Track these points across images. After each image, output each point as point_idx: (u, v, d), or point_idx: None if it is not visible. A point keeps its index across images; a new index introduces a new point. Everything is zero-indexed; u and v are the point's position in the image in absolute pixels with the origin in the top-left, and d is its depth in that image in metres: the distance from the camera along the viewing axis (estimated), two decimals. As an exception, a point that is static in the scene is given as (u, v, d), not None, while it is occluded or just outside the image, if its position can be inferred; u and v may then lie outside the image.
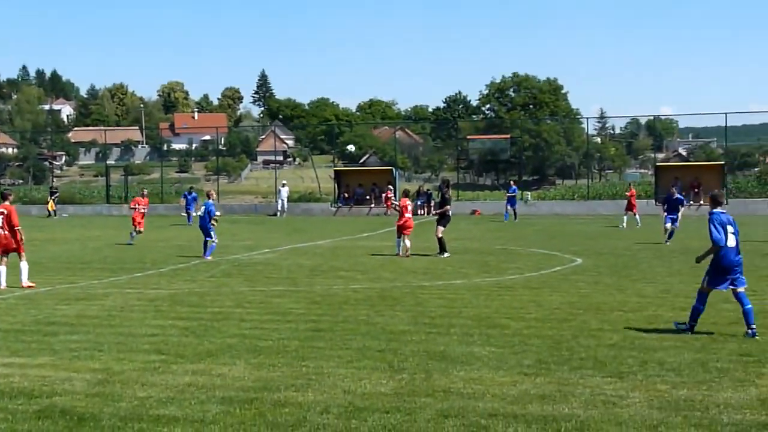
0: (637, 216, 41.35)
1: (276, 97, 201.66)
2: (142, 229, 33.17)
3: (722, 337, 12.63)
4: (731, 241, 13.12)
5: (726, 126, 60.49)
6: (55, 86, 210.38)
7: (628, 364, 10.88)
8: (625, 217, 41.11)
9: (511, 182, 51.60)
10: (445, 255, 25.94)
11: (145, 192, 40.57)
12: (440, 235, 26.63)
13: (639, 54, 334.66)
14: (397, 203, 28.81)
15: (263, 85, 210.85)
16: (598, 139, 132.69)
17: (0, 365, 11.21)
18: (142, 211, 33.97)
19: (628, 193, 43.47)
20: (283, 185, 60.64)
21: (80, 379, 10.35)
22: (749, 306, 12.87)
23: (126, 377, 10.46)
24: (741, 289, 13.01)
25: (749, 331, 12.65)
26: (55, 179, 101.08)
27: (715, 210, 13.50)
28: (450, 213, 27.92)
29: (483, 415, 8.66)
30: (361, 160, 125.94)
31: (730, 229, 13.23)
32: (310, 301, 16.84)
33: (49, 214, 59.66)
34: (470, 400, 9.23)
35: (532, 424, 8.35)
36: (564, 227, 41.20)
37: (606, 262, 23.74)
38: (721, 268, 13.01)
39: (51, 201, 61.71)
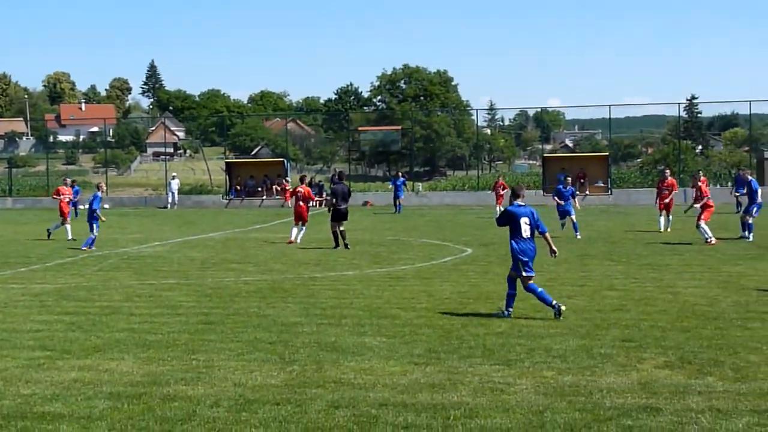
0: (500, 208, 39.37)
1: (166, 88, 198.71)
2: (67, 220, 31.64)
3: (606, 324, 12.95)
4: (525, 232, 14.03)
5: (610, 118, 61.81)
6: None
7: (515, 352, 11.08)
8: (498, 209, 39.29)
9: (399, 174, 51.74)
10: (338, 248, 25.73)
11: (68, 180, 38.42)
12: (334, 229, 26.38)
13: (527, 47, 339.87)
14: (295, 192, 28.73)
15: (152, 76, 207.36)
16: (488, 131, 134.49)
17: None
18: (67, 200, 32.68)
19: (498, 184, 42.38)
20: (173, 177, 59.86)
21: (-39, 378, 10.08)
22: (540, 290, 13.86)
23: (9, 374, 10.22)
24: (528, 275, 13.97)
25: (555, 307, 13.49)
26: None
27: (514, 203, 14.30)
28: (341, 207, 26.60)
29: (373, 404, 8.72)
30: (253, 152, 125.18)
31: (525, 220, 14.08)
32: (200, 294, 16.69)
33: None
34: (361, 390, 9.28)
35: (422, 412, 8.44)
36: (455, 218, 41.61)
37: (495, 252, 24.05)
38: (515, 255, 13.99)
39: None
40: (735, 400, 8.73)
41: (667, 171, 32.28)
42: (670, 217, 30.27)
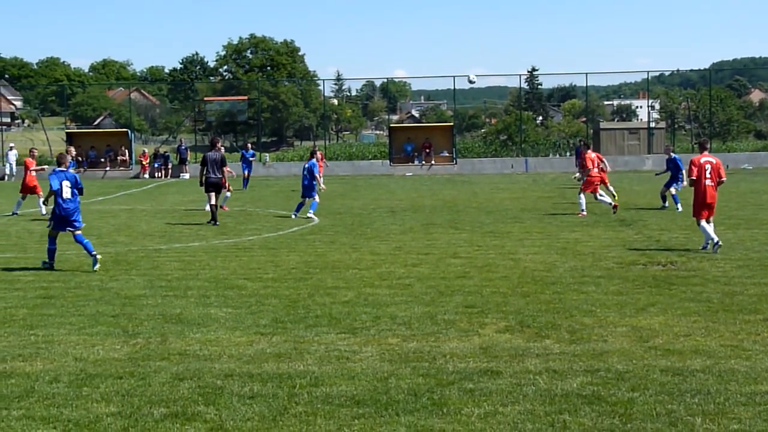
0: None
1: (1, 55, 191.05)
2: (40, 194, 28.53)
3: (449, 290, 13.21)
4: (66, 194, 15.97)
5: (454, 89, 62.73)
6: None
7: (361, 320, 11.20)
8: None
9: (249, 145, 50.68)
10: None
11: (35, 152, 34.12)
12: (211, 202, 24.51)
13: (374, 17, 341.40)
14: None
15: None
16: (335, 101, 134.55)
17: None
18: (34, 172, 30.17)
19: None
20: (11, 148, 57.74)
21: None
22: (86, 241, 16.10)
23: None
24: (78, 232, 16.18)
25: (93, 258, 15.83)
26: None
27: (55, 170, 16.28)
28: (211, 177, 24.52)
29: (219, 376, 8.68)
30: (95, 122, 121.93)
31: (66, 183, 15.99)
32: (39, 268, 16.21)
33: None
34: (206, 362, 9.22)
35: (268, 382, 8.45)
36: (298, 187, 41.54)
37: (342, 222, 24.19)
38: (56, 216, 16.15)
39: None
40: (570, 361, 9.06)
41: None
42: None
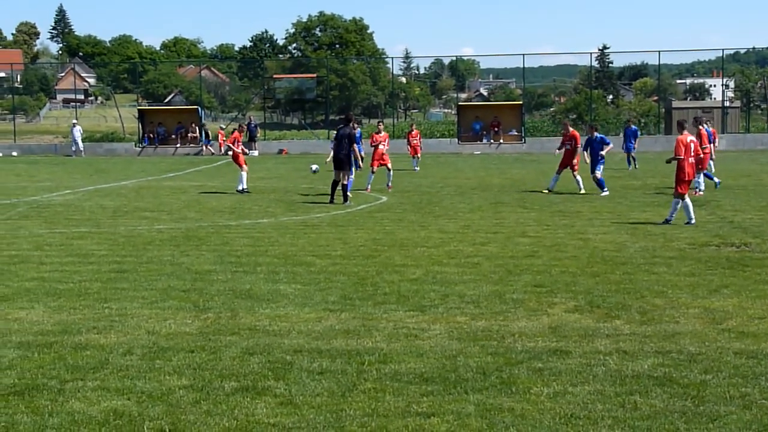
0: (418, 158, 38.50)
1: (75, 33, 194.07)
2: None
3: (518, 269, 13.14)
4: None
5: (524, 67, 62.21)
6: None
7: (429, 298, 11.19)
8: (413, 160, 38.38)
9: (355, 125, 46.62)
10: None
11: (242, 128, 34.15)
12: (336, 178, 23.66)
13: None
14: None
15: (61, 20, 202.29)
16: (403, 79, 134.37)
17: None
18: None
19: (411, 135, 39.55)
20: (74, 125, 58.49)
21: None
22: None
23: None
24: None
25: None
26: None
27: None
28: (339, 154, 23.70)
29: (288, 351, 8.74)
30: (166, 100, 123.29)
31: None
32: (113, 243, 16.47)
33: None
34: (276, 337, 9.30)
35: (337, 358, 8.49)
36: (369, 165, 41.62)
37: (410, 200, 24.19)
38: None
39: None
40: (641, 342, 8.96)
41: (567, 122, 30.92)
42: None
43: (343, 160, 23.59)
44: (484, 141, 55.95)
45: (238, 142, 27.56)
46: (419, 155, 38.62)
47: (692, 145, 18.54)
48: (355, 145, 23.79)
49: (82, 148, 56.21)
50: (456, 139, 57.35)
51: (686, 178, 18.17)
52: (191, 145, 57.28)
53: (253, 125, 57.85)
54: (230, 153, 28.13)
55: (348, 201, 23.29)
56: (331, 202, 23.22)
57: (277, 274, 12.98)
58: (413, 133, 39.54)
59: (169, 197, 26.05)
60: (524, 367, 8.13)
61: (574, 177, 26.09)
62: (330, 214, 21.14)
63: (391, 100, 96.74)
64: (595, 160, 25.57)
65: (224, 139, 56.07)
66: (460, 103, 67.68)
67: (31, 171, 40.58)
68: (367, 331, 9.52)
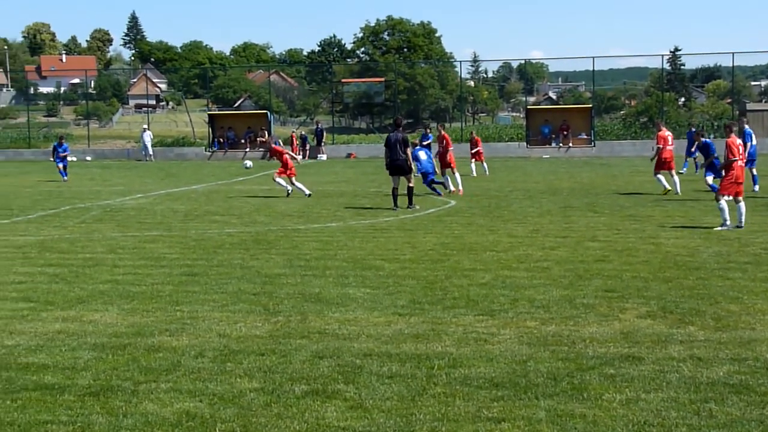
0: (485, 164, 37.84)
1: (147, 39, 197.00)
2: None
3: (588, 274, 13.00)
4: None
5: (593, 70, 61.72)
6: None
7: (499, 302, 11.13)
8: (473, 165, 37.42)
9: (428, 130, 46.02)
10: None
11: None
12: (395, 185, 23.19)
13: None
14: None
15: (134, 27, 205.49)
16: (472, 83, 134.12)
17: None
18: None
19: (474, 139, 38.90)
20: (144, 130, 59.34)
21: (-55, 329, 10.07)
22: None
23: (-7, 326, 10.21)
24: None
25: None
26: None
27: None
28: (397, 160, 22.99)
29: (358, 355, 8.75)
30: (236, 104, 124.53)
31: None
32: (184, 246, 16.66)
33: None
34: (345, 341, 9.31)
35: (406, 362, 8.48)
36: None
37: (479, 204, 24.11)
38: None
39: None
40: (716, 348, 8.81)
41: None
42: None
43: (401, 166, 22.92)
44: (553, 144, 55.60)
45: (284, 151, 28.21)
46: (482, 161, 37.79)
47: (741, 148, 18.65)
48: (409, 149, 23.37)
49: (151, 153, 57.01)
50: (524, 143, 57.06)
51: (734, 180, 18.13)
52: (260, 149, 57.74)
53: (320, 129, 58.19)
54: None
55: (413, 205, 22.98)
56: (395, 208, 22.84)
57: (346, 278, 13.02)
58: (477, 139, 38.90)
59: (238, 201, 26.30)
60: (596, 373, 8.04)
61: (656, 177, 25.94)
62: (398, 218, 21.15)
63: (459, 104, 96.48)
64: (710, 166, 24.99)
65: (299, 142, 56.45)
66: (528, 107, 67.35)
67: (104, 175, 41.29)
68: (436, 336, 9.49)
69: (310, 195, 26.86)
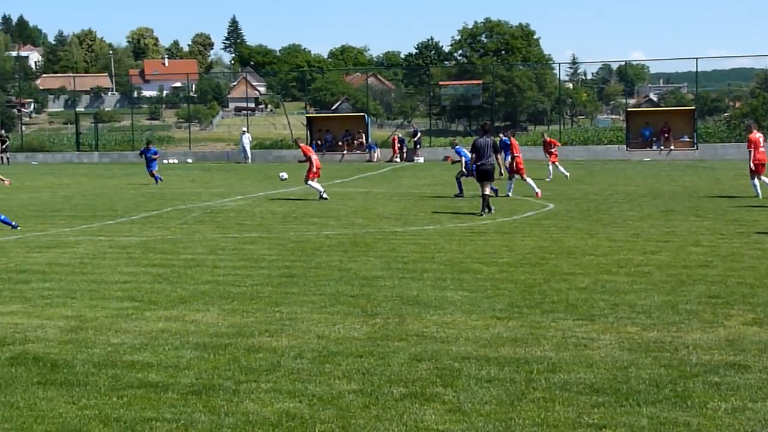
0: (551, 168, 36.74)
1: (247, 43, 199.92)
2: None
3: (691, 279, 12.74)
4: None
5: (696, 71, 60.62)
6: (22, 32, 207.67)
7: (599, 307, 10.98)
8: (550, 167, 36.79)
9: (502, 134, 45.43)
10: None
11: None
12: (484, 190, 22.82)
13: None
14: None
15: (234, 31, 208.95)
16: (570, 85, 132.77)
17: (-28, 313, 11.17)
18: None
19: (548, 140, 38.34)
20: (243, 132, 60.11)
21: (53, 326, 10.35)
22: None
23: (99, 324, 10.45)
24: None
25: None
26: (24, 127, 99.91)
27: None
28: (485, 165, 22.84)
29: (456, 358, 8.72)
30: (333, 107, 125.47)
31: None
32: (282, 248, 16.84)
33: (1, 161, 57.90)
34: (443, 344, 9.29)
35: (505, 366, 8.42)
36: (536, 173, 41.25)
37: (577, 207, 23.85)
38: None
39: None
40: (826, 358, 8.55)
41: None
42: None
43: (489, 171, 22.67)
44: (654, 147, 54.69)
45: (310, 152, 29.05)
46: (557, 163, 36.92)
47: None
48: (499, 154, 23.19)
49: (249, 155, 57.77)
50: (624, 146, 56.25)
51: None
52: (358, 152, 58.06)
53: (417, 132, 58.24)
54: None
55: (491, 210, 22.60)
56: (490, 211, 22.56)
57: (443, 281, 12.99)
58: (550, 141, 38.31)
59: (336, 203, 26.48)
60: (700, 380, 7.87)
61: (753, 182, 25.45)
62: (496, 221, 21.05)
63: (558, 107, 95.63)
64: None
65: (399, 145, 56.56)
66: (628, 109, 66.40)
67: (204, 177, 41.98)
68: (535, 340, 9.41)
69: (326, 198, 27.44)
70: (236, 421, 7.01)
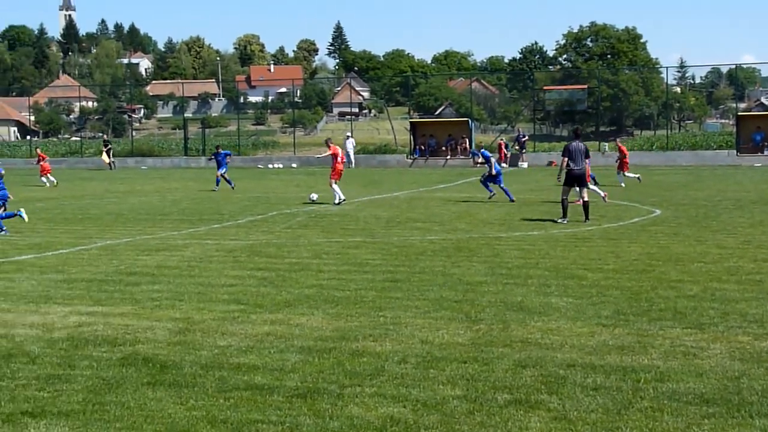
0: (628, 174, 35.54)
1: (351, 49, 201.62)
2: None
3: (806, 288, 12.38)
4: None
5: (811, 74, 58.83)
6: (133, 40, 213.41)
7: (708, 316, 10.74)
8: (628, 174, 35.70)
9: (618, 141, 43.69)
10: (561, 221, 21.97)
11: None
12: (564, 196, 22.39)
13: (720, 1, 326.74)
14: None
15: (338, 37, 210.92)
16: (678, 89, 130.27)
17: (84, 314, 11.49)
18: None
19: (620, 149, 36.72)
20: (347, 137, 60.53)
21: (162, 328, 10.57)
22: None
23: (206, 326, 10.64)
24: None
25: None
26: (134, 132, 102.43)
27: None
28: (575, 169, 22.30)
29: (561, 365, 8.63)
30: (437, 112, 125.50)
31: None
32: (386, 252, 16.88)
33: (110, 167, 59.04)
34: (548, 351, 9.20)
35: (611, 374, 8.30)
36: (642, 178, 40.61)
37: (685, 213, 23.37)
38: None
39: (105, 153, 60.76)
40: None
41: None
42: None
43: (581, 177, 22.20)
44: (766, 153, 53.30)
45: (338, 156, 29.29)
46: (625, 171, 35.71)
47: None
48: (586, 159, 22.57)
49: (353, 160, 58.16)
50: (734, 151, 54.96)
51: None
52: (461, 156, 57.93)
53: (522, 137, 57.86)
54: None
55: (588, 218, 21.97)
56: (565, 219, 21.89)
57: (548, 287, 12.87)
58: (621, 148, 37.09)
59: (439, 208, 26.46)
60: (815, 392, 7.63)
61: None
62: (601, 227, 20.76)
63: (665, 111, 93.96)
64: None
65: (506, 151, 56.28)
66: (739, 113, 64.81)
67: (309, 182, 42.39)
68: (642, 348, 9.24)
69: (340, 204, 28.08)
70: (341, 425, 7.05)
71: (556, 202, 27.07)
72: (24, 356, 9.35)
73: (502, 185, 28.74)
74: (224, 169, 37.10)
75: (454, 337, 9.87)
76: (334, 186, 28.61)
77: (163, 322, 10.93)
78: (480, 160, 29.48)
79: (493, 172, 28.72)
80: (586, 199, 22.32)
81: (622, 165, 35.46)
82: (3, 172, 22.07)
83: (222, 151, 38.13)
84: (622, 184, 34.41)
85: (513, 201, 27.84)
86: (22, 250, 18.06)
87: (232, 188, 36.32)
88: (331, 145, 29.94)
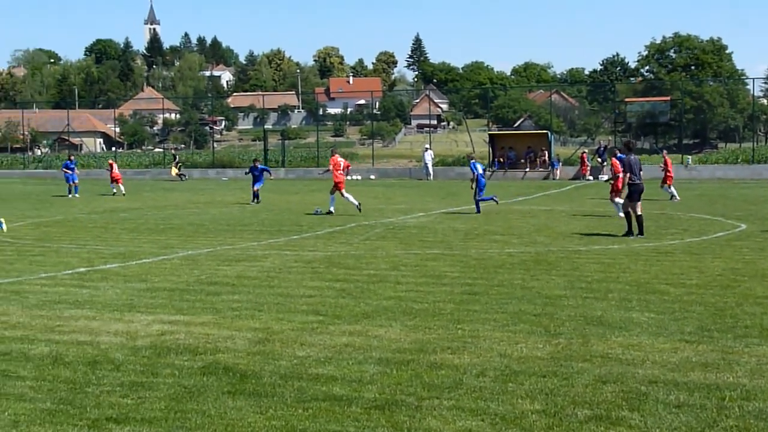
0: (671, 190, 34.62)
1: (430, 61, 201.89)
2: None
3: None
4: None
5: None
6: (216, 53, 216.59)
7: (796, 333, 10.48)
8: (672, 189, 34.78)
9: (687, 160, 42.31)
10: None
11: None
12: (626, 209, 21.85)
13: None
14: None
15: (417, 49, 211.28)
16: (765, 101, 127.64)
17: (166, 322, 11.64)
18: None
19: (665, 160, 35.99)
20: (426, 149, 60.50)
21: (242, 338, 10.65)
22: None
23: (285, 336, 10.69)
24: None
25: None
26: (215, 143, 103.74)
27: None
28: (639, 183, 21.61)
29: (643, 381, 8.48)
30: (516, 124, 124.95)
31: None
32: (464, 265, 16.81)
33: (180, 179, 59.42)
34: (629, 366, 9.05)
35: (695, 392, 8.13)
36: (727, 192, 39.91)
37: (771, 228, 22.88)
38: None
39: (174, 167, 61.46)
40: None
41: None
42: None
43: (643, 189, 21.58)
44: None
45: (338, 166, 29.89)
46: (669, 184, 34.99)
47: None
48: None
49: (432, 172, 58.15)
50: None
51: None
52: (540, 169, 57.54)
53: (602, 149, 57.26)
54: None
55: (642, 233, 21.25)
56: (632, 233, 21.29)
57: (629, 302, 12.68)
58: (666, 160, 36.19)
59: (518, 221, 26.29)
60: None
61: None
62: (684, 241, 20.42)
63: (750, 123, 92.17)
64: None
65: (588, 163, 55.83)
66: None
67: (387, 194, 42.48)
68: (727, 365, 9.04)
69: (331, 213, 29.09)
70: (419, 438, 7.01)
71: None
72: (109, 363, 9.51)
73: (478, 197, 29.27)
74: (260, 184, 36.17)
75: (533, 351, 9.77)
76: (347, 195, 29.42)
77: (243, 331, 11.01)
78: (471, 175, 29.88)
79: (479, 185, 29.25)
80: (639, 212, 21.53)
81: (666, 178, 34.89)
82: None
83: (260, 165, 37.19)
84: (677, 197, 33.82)
85: (479, 213, 28.73)
86: (107, 259, 18.40)
87: (254, 202, 35.70)
88: (332, 156, 31.05)
